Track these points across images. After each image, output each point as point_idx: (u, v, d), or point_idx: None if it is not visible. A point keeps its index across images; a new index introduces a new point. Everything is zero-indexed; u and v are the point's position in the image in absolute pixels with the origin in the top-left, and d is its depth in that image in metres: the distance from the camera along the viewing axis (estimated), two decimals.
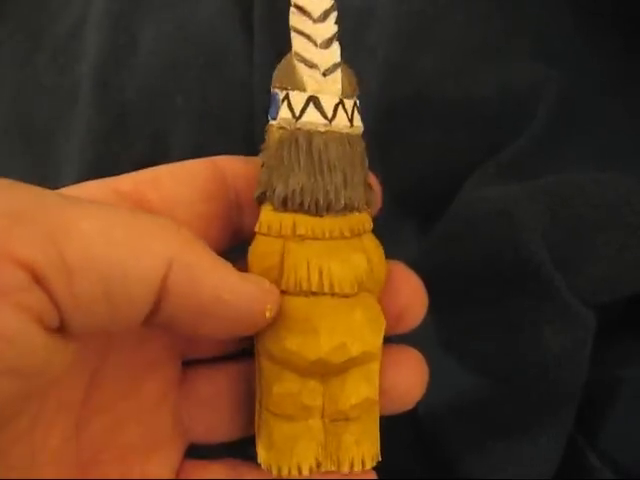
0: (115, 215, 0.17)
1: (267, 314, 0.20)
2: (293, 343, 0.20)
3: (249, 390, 0.23)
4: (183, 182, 0.22)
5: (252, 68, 0.33)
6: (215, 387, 0.24)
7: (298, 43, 0.21)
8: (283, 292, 0.21)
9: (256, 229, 0.21)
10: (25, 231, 0.16)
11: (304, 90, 0.21)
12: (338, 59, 0.21)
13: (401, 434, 0.26)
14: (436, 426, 0.27)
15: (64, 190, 0.21)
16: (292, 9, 0.21)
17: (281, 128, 0.21)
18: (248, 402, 0.23)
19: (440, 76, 0.31)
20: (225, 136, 0.34)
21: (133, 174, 0.22)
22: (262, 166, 0.22)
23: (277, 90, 0.22)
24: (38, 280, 0.16)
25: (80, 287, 0.16)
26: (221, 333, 0.20)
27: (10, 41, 0.40)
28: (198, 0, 0.35)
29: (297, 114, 0.21)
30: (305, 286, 0.20)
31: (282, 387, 0.21)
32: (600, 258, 0.25)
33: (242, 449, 0.24)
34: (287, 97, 0.21)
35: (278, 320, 0.20)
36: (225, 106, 0.34)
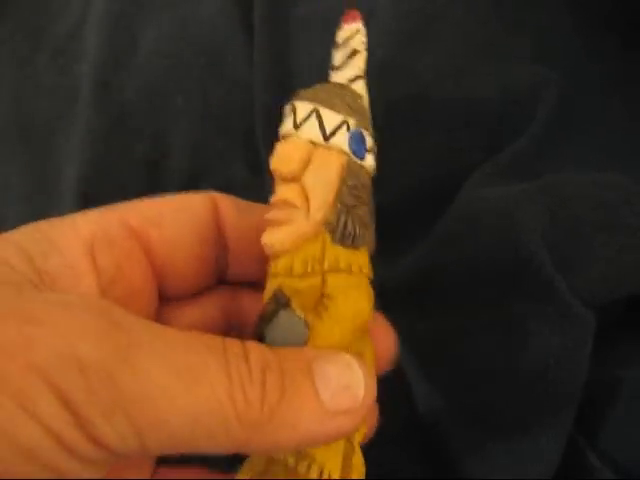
0: (205, 387, 0.16)
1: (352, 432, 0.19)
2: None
3: (225, 321, 0.24)
4: (184, 224, 0.23)
5: (252, 68, 0.33)
6: (190, 321, 0.24)
7: None
8: None
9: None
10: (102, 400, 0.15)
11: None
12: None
13: (401, 434, 0.26)
14: (436, 426, 0.27)
15: (83, 226, 0.21)
16: None
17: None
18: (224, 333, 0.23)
19: (440, 76, 0.31)
20: (225, 136, 0.34)
21: (139, 205, 0.22)
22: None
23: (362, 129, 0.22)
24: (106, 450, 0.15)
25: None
26: None
27: (10, 41, 0.40)
28: (198, 0, 0.35)
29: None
30: None
31: None
32: (600, 258, 0.25)
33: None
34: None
35: None
36: (225, 106, 0.34)
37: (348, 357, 0.19)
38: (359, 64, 0.22)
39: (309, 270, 0.21)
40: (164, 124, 0.34)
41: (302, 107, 0.21)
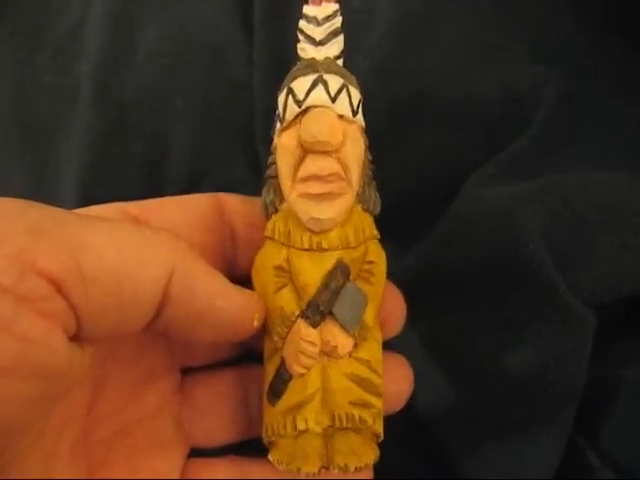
0: (124, 230, 0.19)
1: (255, 323, 0.21)
2: None
3: (245, 394, 0.24)
4: (184, 211, 0.24)
5: (252, 68, 0.33)
6: (212, 393, 0.25)
7: None
8: None
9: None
10: (47, 246, 0.17)
11: None
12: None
13: (401, 434, 0.26)
14: (436, 426, 0.27)
15: (75, 212, 0.22)
16: None
17: None
18: (244, 406, 0.24)
19: (440, 77, 0.31)
20: (225, 136, 0.34)
21: (141, 201, 0.24)
22: None
23: None
24: (59, 289, 0.17)
25: (95, 295, 0.18)
26: (212, 338, 0.21)
27: (10, 41, 0.40)
28: (198, 0, 0.35)
29: None
30: None
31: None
32: (600, 258, 0.25)
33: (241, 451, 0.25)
34: None
35: None
36: (225, 106, 0.34)
37: None
38: (341, 44, 0.23)
39: (360, 239, 0.22)
40: (164, 124, 0.34)
41: (333, 81, 0.22)
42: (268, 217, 0.22)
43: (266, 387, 0.22)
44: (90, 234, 0.18)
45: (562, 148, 0.28)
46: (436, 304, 0.28)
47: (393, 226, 0.29)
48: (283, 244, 0.22)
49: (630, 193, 0.25)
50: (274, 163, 0.22)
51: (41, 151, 0.37)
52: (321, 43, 0.23)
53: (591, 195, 0.25)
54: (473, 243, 0.26)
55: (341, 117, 0.21)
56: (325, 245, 0.21)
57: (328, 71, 0.22)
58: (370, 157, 0.23)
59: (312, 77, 0.22)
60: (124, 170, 0.34)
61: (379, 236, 0.23)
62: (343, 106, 0.21)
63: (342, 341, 0.21)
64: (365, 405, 0.22)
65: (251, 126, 0.33)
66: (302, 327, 0.21)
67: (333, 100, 0.21)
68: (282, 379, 0.22)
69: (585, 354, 0.24)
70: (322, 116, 0.21)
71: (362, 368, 0.22)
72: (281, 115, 0.22)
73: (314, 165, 0.21)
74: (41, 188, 0.37)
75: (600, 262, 0.25)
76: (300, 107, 0.21)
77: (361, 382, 0.22)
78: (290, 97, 0.22)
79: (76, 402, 0.21)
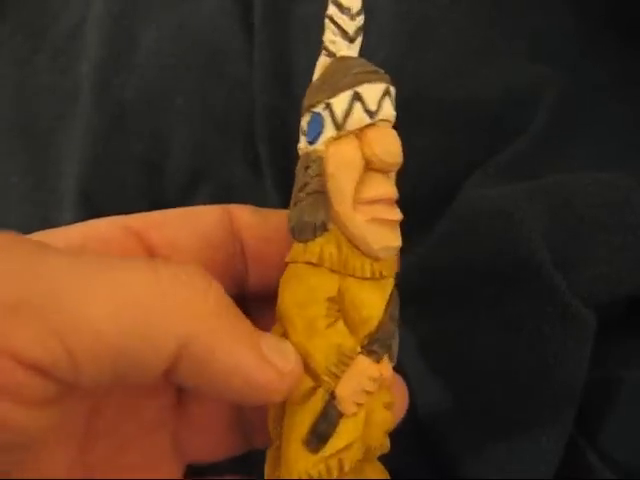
0: (128, 289, 0.16)
1: (278, 397, 0.18)
2: None
3: (241, 410, 0.23)
4: (187, 227, 0.22)
5: (252, 68, 0.33)
6: (208, 409, 0.23)
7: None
8: None
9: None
10: (28, 325, 0.15)
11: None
12: None
13: (401, 435, 0.26)
14: (436, 426, 0.27)
15: (74, 228, 0.20)
16: None
17: None
18: (241, 422, 0.23)
19: (440, 77, 0.31)
20: (225, 136, 0.34)
21: (144, 214, 0.22)
22: None
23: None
24: (44, 375, 0.15)
25: (89, 375, 0.16)
26: (230, 401, 0.20)
27: (10, 41, 0.40)
28: (198, 0, 0.35)
29: None
30: None
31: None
32: (600, 258, 0.25)
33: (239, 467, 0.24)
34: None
35: None
36: (225, 106, 0.34)
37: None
38: (360, 42, 0.20)
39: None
40: (164, 124, 0.34)
41: (377, 89, 0.19)
42: (305, 240, 0.19)
43: (303, 433, 0.19)
44: (85, 303, 0.15)
45: (562, 148, 0.28)
46: (436, 304, 0.27)
47: None
48: (334, 271, 0.19)
49: (629, 193, 0.25)
50: (320, 175, 0.19)
51: (41, 151, 0.37)
52: (352, 40, 0.20)
53: (591, 195, 0.25)
54: (473, 243, 0.26)
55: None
56: (385, 273, 0.19)
57: (372, 80, 0.19)
58: None
59: (381, 86, 0.19)
60: (124, 170, 0.34)
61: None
62: (387, 111, 0.20)
63: (391, 372, 0.20)
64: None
65: (251, 126, 0.33)
66: (367, 364, 0.19)
67: (375, 113, 0.19)
68: (330, 422, 0.19)
69: (585, 354, 0.24)
70: (394, 134, 0.19)
71: (388, 393, 0.20)
72: (339, 120, 0.19)
73: (382, 187, 0.19)
74: (41, 188, 0.37)
75: (600, 262, 0.25)
76: (372, 118, 0.19)
77: (390, 407, 0.20)
78: (359, 104, 0.19)
79: (73, 421, 0.21)
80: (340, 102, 0.19)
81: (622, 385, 0.25)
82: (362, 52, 0.29)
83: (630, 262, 0.24)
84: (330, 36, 0.20)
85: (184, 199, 0.34)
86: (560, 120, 0.29)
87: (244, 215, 0.23)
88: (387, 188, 0.19)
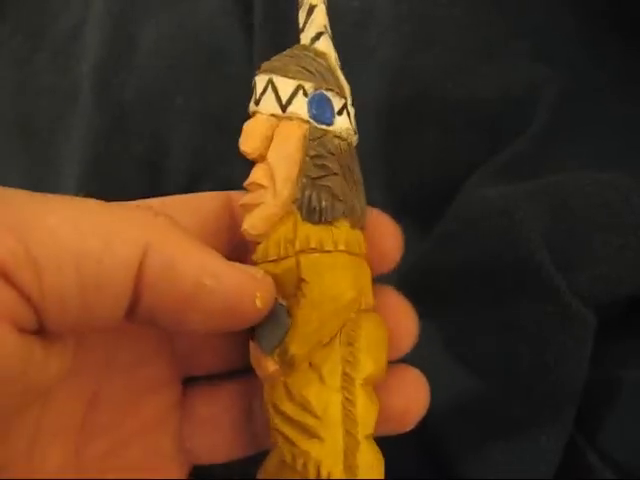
0: (84, 206, 0.16)
1: (258, 303, 0.18)
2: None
3: (250, 409, 0.23)
4: (190, 212, 0.21)
5: (252, 68, 0.33)
6: (215, 407, 0.23)
7: None
8: None
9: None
10: None
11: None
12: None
13: (401, 434, 0.26)
14: (436, 426, 0.27)
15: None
16: None
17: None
18: (249, 421, 0.23)
19: (440, 76, 0.31)
20: (225, 136, 0.34)
21: (142, 200, 0.21)
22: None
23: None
24: (7, 278, 0.15)
25: (51, 281, 0.15)
26: (207, 326, 0.18)
27: (10, 41, 0.40)
28: (198, 0, 0.35)
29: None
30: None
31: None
32: (600, 258, 0.25)
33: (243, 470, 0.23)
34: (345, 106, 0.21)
35: None
36: (225, 106, 0.34)
37: None
38: (318, 20, 0.20)
39: (282, 253, 0.19)
40: (164, 124, 0.34)
41: (260, 80, 0.20)
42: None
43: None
44: (42, 212, 0.16)
45: (562, 148, 0.28)
46: (436, 304, 0.27)
47: None
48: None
49: (629, 193, 0.25)
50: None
51: (41, 151, 0.37)
52: (302, 30, 0.21)
53: (591, 195, 0.25)
54: (473, 243, 0.26)
55: (275, 116, 0.20)
56: (254, 258, 0.20)
57: (260, 70, 0.20)
58: (328, 155, 0.20)
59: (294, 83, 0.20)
60: (124, 170, 0.34)
61: (336, 249, 0.19)
62: (268, 105, 0.20)
63: (263, 363, 0.19)
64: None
65: None
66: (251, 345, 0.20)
67: (257, 103, 0.20)
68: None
69: (585, 354, 0.24)
70: (245, 124, 0.20)
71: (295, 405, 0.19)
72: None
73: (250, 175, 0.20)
74: (41, 188, 0.37)
75: (600, 262, 0.25)
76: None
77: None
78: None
79: (66, 418, 0.20)
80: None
81: (622, 385, 0.25)
82: (362, 52, 0.29)
83: (630, 262, 0.24)
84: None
85: None
86: (560, 120, 0.29)
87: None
88: (250, 176, 0.20)
